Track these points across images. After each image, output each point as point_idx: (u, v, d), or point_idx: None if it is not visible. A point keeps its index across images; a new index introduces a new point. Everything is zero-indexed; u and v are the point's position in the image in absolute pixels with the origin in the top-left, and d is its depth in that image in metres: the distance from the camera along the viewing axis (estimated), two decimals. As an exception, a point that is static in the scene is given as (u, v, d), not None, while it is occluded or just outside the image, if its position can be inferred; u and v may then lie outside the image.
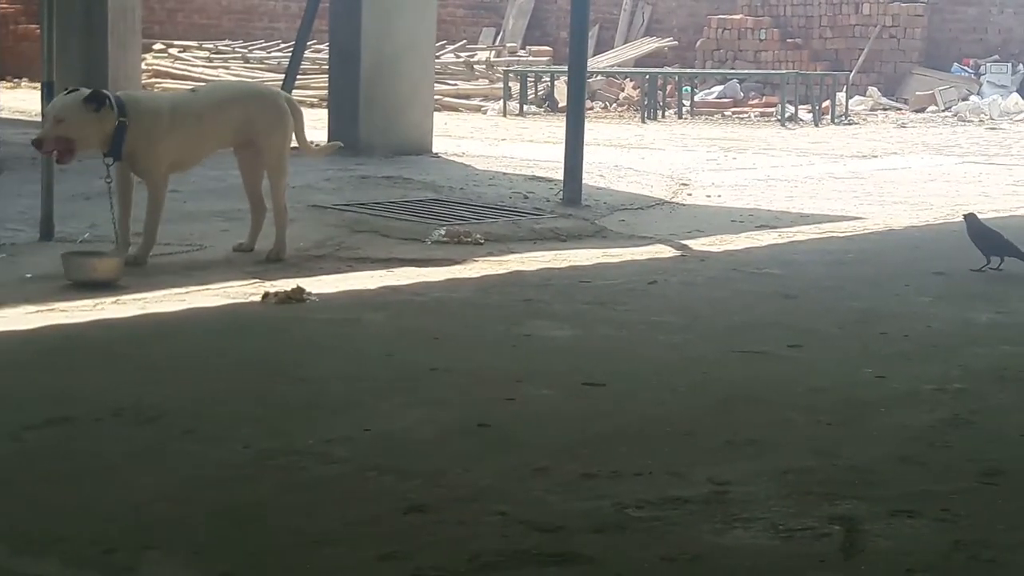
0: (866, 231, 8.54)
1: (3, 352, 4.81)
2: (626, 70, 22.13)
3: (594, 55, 22.12)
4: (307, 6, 13.03)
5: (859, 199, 10.32)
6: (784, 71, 20.87)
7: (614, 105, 21.25)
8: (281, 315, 5.48)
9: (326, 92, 13.27)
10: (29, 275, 6.10)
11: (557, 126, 14.75)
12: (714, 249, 7.63)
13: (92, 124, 6.24)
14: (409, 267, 6.70)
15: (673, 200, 10.01)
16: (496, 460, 3.67)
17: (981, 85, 21.44)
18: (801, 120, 19.22)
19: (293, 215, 8.01)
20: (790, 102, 19.43)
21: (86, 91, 6.33)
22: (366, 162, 10.93)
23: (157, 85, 21.14)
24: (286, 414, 4.07)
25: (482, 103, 20.58)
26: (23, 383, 4.36)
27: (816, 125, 18.77)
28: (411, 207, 8.62)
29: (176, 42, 23.80)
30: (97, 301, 5.59)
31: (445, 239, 7.47)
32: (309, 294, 5.73)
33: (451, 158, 11.98)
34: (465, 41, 23.59)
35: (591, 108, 19.49)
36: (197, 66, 22.49)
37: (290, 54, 13.90)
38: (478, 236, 7.56)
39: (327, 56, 13.10)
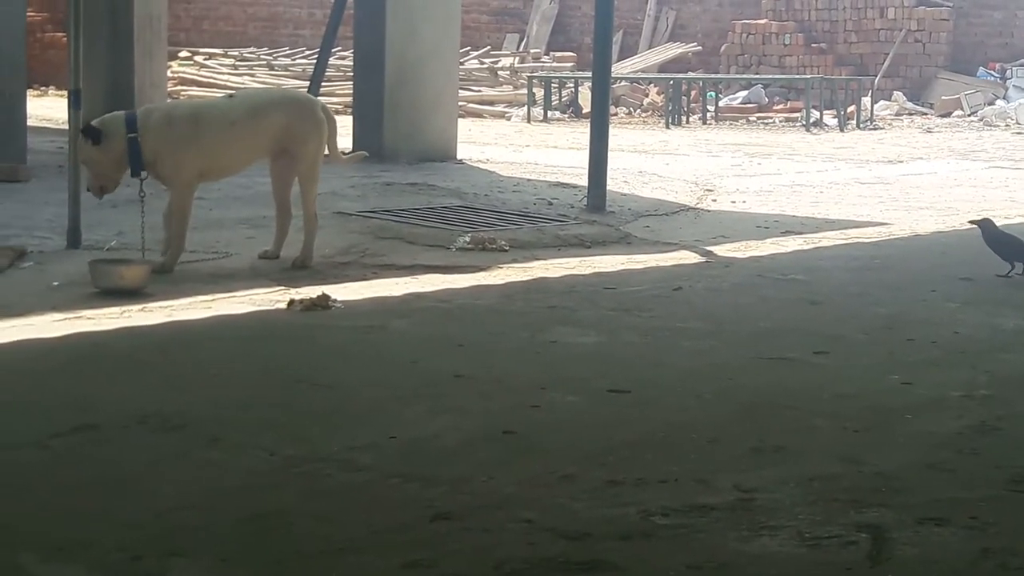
0: (892, 236, 8.51)
1: (30, 360, 4.84)
2: (650, 76, 22.10)
3: (618, 61, 22.11)
4: (332, 13, 13.07)
5: (885, 204, 10.28)
6: (809, 76, 20.81)
7: (638, 111, 21.23)
8: (306, 322, 5.49)
9: (351, 99, 13.29)
10: (56, 283, 6.13)
11: (581, 132, 14.74)
12: (739, 255, 7.62)
13: (99, 154, 6.40)
14: (434, 274, 6.70)
15: (698, 206, 9.99)
16: (521, 467, 3.67)
17: (1007, 89, 21.33)
18: (826, 125, 19.17)
19: (318, 222, 8.03)
20: (815, 107, 19.38)
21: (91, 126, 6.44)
22: (391, 169, 10.95)
23: (183, 93, 21.24)
24: (311, 421, 4.08)
25: (506, 109, 20.59)
26: (50, 391, 4.38)
27: (841, 130, 18.71)
28: (436, 214, 8.63)
29: (202, 50, 23.89)
30: (124, 309, 5.62)
31: (470, 246, 7.47)
32: (334, 301, 5.74)
33: (475, 164, 11.99)
34: (489, 47, 23.61)
35: (615, 114, 19.47)
36: (223, 73, 22.57)
37: (315, 61, 13.93)
38: (503, 243, 7.56)
39: (351, 63, 13.12)
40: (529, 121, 19.45)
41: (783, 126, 19.52)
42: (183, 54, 23.16)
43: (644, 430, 4.06)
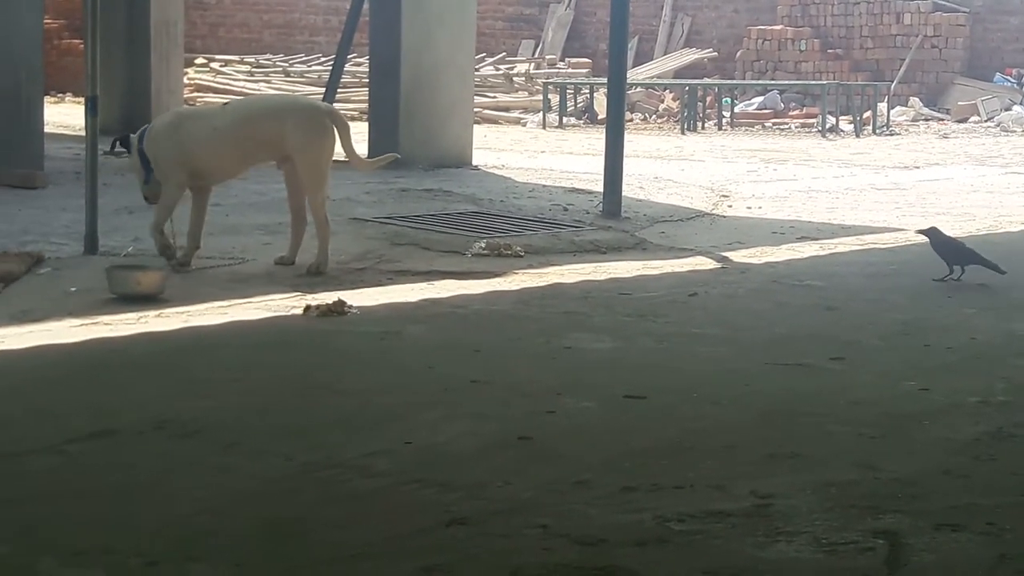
0: (908, 242, 8.48)
1: (48, 365, 4.85)
2: (666, 81, 22.10)
3: (633, 67, 22.11)
4: (347, 20, 13.10)
5: (901, 210, 10.26)
6: (825, 82, 20.78)
7: (654, 117, 21.23)
8: (322, 328, 5.50)
9: (366, 105, 13.32)
10: (73, 289, 6.15)
11: (596, 138, 14.74)
12: (755, 261, 7.61)
13: (132, 164, 6.95)
14: (449, 279, 6.71)
15: (713, 212, 9.98)
16: (537, 473, 3.67)
17: (1024, 95, 21.28)
18: (842, 131, 19.13)
19: (334, 228, 8.04)
20: (831, 113, 19.34)
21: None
22: (406, 175, 10.96)
23: (199, 99, 21.28)
24: (327, 427, 4.09)
25: (521, 115, 20.60)
26: (67, 396, 4.40)
27: (857, 136, 18.68)
28: (451, 220, 8.64)
29: (218, 56, 23.96)
30: (141, 314, 5.64)
31: (485, 251, 7.47)
32: (350, 307, 5.75)
33: (491, 170, 12.00)
34: (504, 53, 23.63)
35: (630, 120, 19.47)
36: (239, 80, 22.63)
37: (330, 68, 13.97)
38: (518, 248, 7.57)
39: (367, 70, 13.15)
40: (544, 127, 19.46)
41: (799, 132, 19.49)
42: (199, 61, 23.23)
43: (660, 436, 4.06)
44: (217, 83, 22.41)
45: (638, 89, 21.29)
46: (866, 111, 19.59)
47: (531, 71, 22.27)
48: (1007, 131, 19.28)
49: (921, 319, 5.99)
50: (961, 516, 3.35)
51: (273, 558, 3.06)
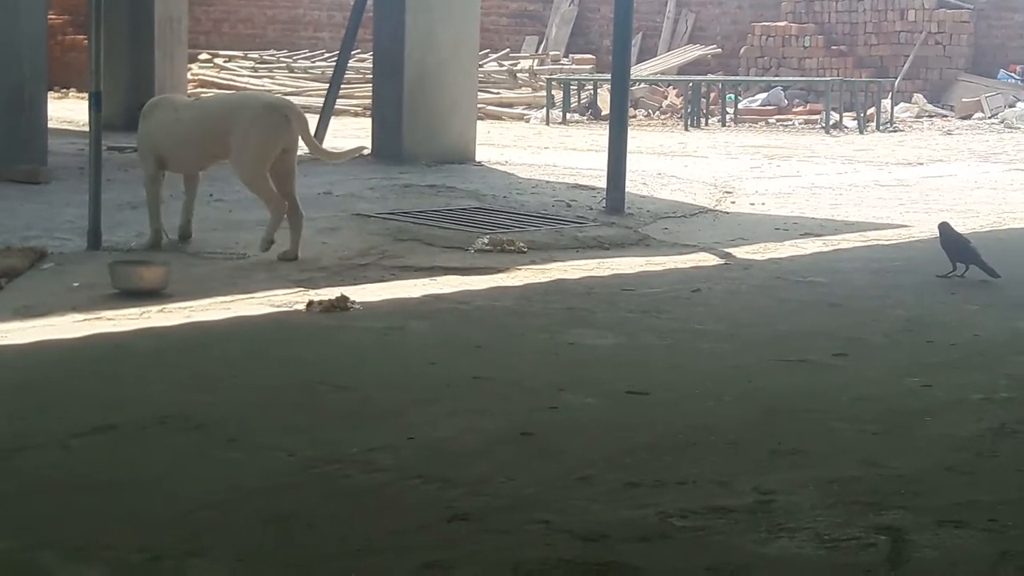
0: (912, 239, 8.48)
1: (51, 360, 4.86)
2: (669, 78, 22.08)
3: (637, 63, 22.09)
4: (351, 16, 13.10)
5: (904, 207, 10.25)
6: (829, 78, 20.76)
7: (657, 113, 21.22)
8: (325, 323, 5.50)
9: (370, 101, 13.32)
10: (77, 284, 6.15)
11: (600, 134, 14.74)
12: (758, 257, 7.60)
13: None
14: (452, 275, 6.71)
15: (717, 208, 9.98)
16: (539, 469, 3.67)
17: (1028, 91, 21.25)
18: (846, 127, 19.12)
19: (337, 224, 8.06)
20: (835, 109, 19.33)
21: None
22: (409, 171, 10.97)
23: (203, 95, 21.29)
24: (330, 422, 4.09)
25: (525, 111, 20.59)
26: (70, 391, 4.40)
27: (861, 132, 18.66)
28: (454, 216, 8.64)
29: (222, 52, 23.96)
30: (143, 310, 5.64)
31: (488, 247, 7.47)
32: (353, 302, 5.75)
33: (494, 166, 12.00)
34: (508, 50, 23.62)
35: (634, 116, 19.46)
36: (242, 76, 22.63)
37: (334, 64, 13.97)
38: (521, 244, 7.56)
39: (371, 66, 13.15)
40: (548, 123, 19.45)
41: (803, 128, 19.48)
42: (203, 56, 23.23)
43: (663, 432, 4.06)
44: (221, 79, 22.41)
45: (642, 85, 21.27)
46: (870, 107, 19.57)
47: (535, 67, 22.26)
48: (1011, 128, 19.26)
49: (924, 315, 5.99)
50: (963, 513, 3.35)
51: (275, 553, 3.07)
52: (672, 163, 13.30)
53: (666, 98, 21.83)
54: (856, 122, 19.19)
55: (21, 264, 6.38)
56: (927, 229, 8.94)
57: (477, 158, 12.21)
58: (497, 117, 19.95)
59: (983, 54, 22.35)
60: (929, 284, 6.78)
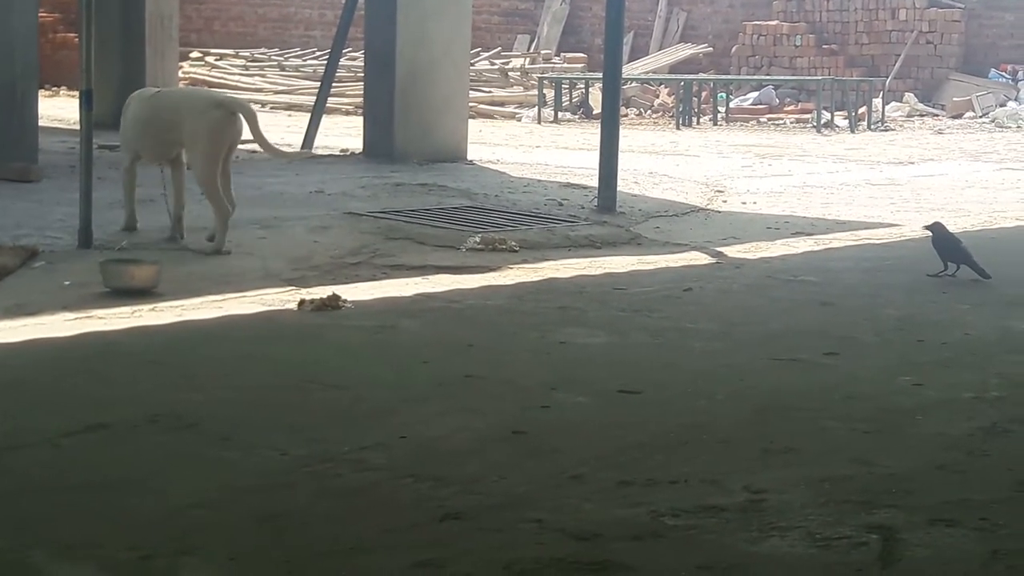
0: (903, 238, 8.49)
1: (42, 359, 4.85)
2: (661, 77, 22.09)
3: (629, 62, 22.10)
4: (342, 14, 13.08)
5: (896, 206, 10.27)
6: (820, 77, 20.79)
7: (649, 112, 21.23)
8: (317, 322, 5.50)
9: (361, 100, 13.31)
10: (68, 282, 6.14)
11: (592, 133, 14.74)
12: (750, 256, 7.61)
13: None
14: (444, 274, 6.71)
15: (708, 207, 9.98)
16: (532, 468, 3.67)
17: (1019, 91, 21.29)
18: (837, 126, 19.14)
19: (329, 222, 8.05)
20: (826, 108, 19.36)
21: None
22: (401, 169, 10.96)
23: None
24: (322, 421, 4.08)
25: (517, 110, 20.59)
26: (61, 390, 4.39)
27: (852, 131, 18.69)
28: (446, 214, 8.64)
29: (213, 50, 23.93)
30: (135, 308, 5.63)
31: (480, 246, 7.47)
32: (345, 301, 5.75)
33: (486, 165, 11.99)
34: (500, 48, 23.62)
35: (626, 115, 19.46)
36: (233, 74, 22.60)
37: (326, 62, 13.95)
38: (513, 243, 7.56)
39: (362, 64, 13.15)
40: (540, 122, 19.45)
41: (794, 127, 19.50)
42: (194, 54, 23.20)
43: (654, 431, 4.06)
44: (212, 77, 22.39)
45: (633, 84, 21.29)
46: (861, 107, 19.60)
47: (526, 66, 22.26)
48: (1002, 127, 19.30)
49: (916, 315, 6.00)
50: (955, 512, 3.35)
51: (267, 552, 3.06)
52: (664, 162, 13.30)
53: (657, 97, 21.85)
54: (847, 121, 19.22)
55: (12, 263, 6.37)
56: (918, 228, 8.96)
57: (469, 157, 12.21)
58: (489, 116, 19.95)
59: (974, 53, 22.39)
60: (920, 283, 6.79)
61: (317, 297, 5.75)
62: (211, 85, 21.86)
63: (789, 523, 3.26)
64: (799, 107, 21.05)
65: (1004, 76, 21.75)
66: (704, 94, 20.91)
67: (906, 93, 21.66)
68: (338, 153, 12.50)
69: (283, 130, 15.70)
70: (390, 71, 11.74)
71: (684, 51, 23.50)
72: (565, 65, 22.81)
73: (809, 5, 22.98)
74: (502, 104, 20.84)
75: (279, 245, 7.25)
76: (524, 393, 4.46)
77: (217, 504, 3.35)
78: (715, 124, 19.83)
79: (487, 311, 5.89)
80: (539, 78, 20.62)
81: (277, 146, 7.97)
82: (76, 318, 5.44)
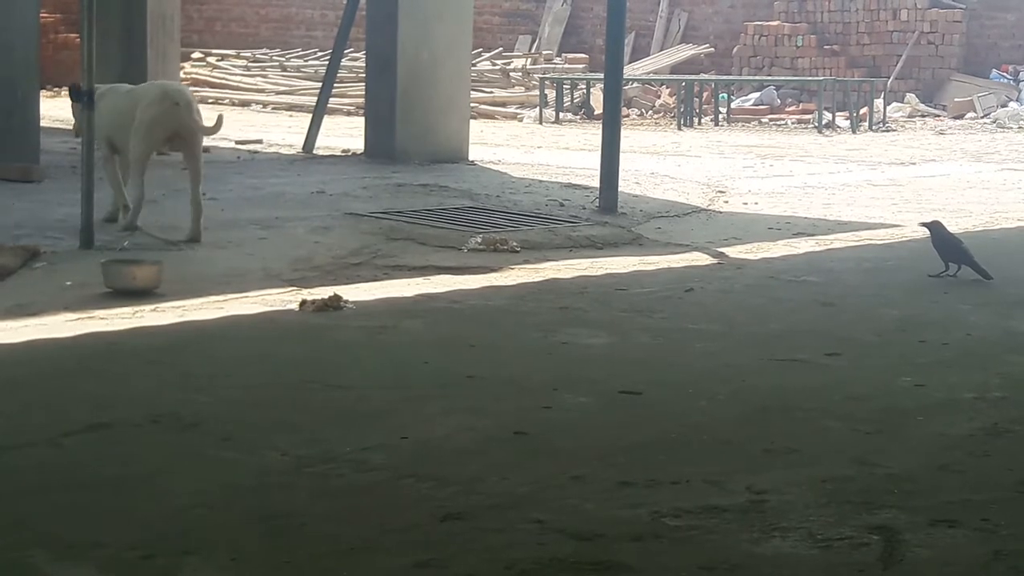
0: (904, 238, 8.49)
1: (43, 359, 4.85)
2: (662, 77, 22.08)
3: (630, 62, 22.09)
4: (344, 15, 13.09)
5: (897, 206, 10.26)
6: (821, 78, 20.78)
7: (650, 112, 21.22)
8: (318, 323, 5.50)
9: (363, 100, 13.31)
10: (69, 283, 6.14)
11: (593, 133, 14.73)
12: (751, 257, 7.61)
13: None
14: (445, 275, 6.71)
15: (710, 208, 9.98)
16: (533, 468, 3.67)
17: (1020, 91, 21.28)
18: (838, 127, 19.13)
19: (330, 223, 8.05)
20: (827, 109, 19.34)
21: None
22: (402, 170, 10.96)
23: (196, 93, 21.19)
24: (323, 421, 4.08)
25: (518, 111, 20.59)
26: (63, 390, 4.40)
27: (854, 132, 18.68)
28: (447, 215, 8.64)
29: (214, 51, 23.93)
30: (136, 309, 5.63)
31: (481, 247, 7.47)
32: (346, 302, 5.75)
33: (487, 166, 11.99)
34: (501, 48, 23.61)
35: (627, 115, 19.46)
36: (235, 75, 22.60)
37: (327, 62, 13.95)
38: (514, 244, 7.56)
39: (364, 64, 13.14)
40: (541, 122, 19.45)
41: (795, 128, 19.49)
42: (196, 55, 23.20)
43: (656, 431, 4.06)
44: (214, 77, 22.39)
45: (635, 85, 21.28)
46: (862, 107, 19.59)
47: (528, 66, 22.26)
48: (1003, 127, 19.29)
49: (917, 315, 6.00)
50: (956, 512, 3.35)
51: (268, 552, 3.06)
52: (665, 162, 13.30)
53: (659, 97, 21.84)
54: (849, 122, 19.20)
55: (13, 263, 6.37)
56: (920, 229, 8.96)
57: (470, 157, 12.21)
58: (490, 116, 19.95)
59: (975, 54, 22.37)
60: (922, 284, 6.79)
61: (318, 298, 5.75)
62: (212, 85, 21.87)
63: (791, 524, 3.26)
64: (800, 108, 21.04)
65: (1005, 77, 21.74)
66: (705, 94, 20.90)
67: (907, 94, 21.65)
68: (339, 154, 12.50)
69: (284, 130, 15.72)
70: (391, 72, 11.73)
71: (685, 51, 23.49)
72: (566, 66, 22.81)
73: (811, 6, 22.97)
74: (504, 104, 20.84)
75: (280, 246, 7.25)
76: (526, 393, 4.46)
77: (218, 504, 3.35)
78: (716, 125, 19.83)
79: (489, 311, 5.89)
80: (540, 78, 20.61)
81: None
82: (77, 318, 5.44)
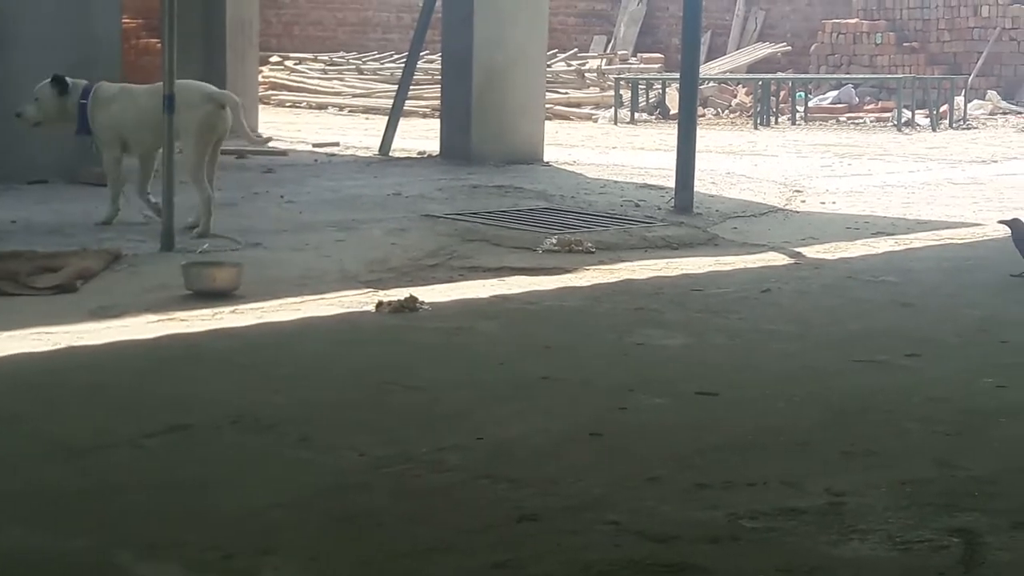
0: (985, 237, 8.37)
1: (125, 360, 4.92)
2: (739, 76, 21.95)
3: (706, 61, 21.99)
4: (420, 17, 13.15)
5: (978, 205, 10.12)
6: (900, 75, 20.55)
7: (726, 111, 21.10)
8: (395, 324, 5.53)
9: (438, 102, 13.36)
10: (150, 285, 6.23)
11: (668, 133, 14.68)
12: (829, 257, 7.54)
13: (56, 103, 7.69)
14: (520, 276, 6.72)
15: (786, 207, 9.91)
16: (608, 469, 3.67)
17: (1105, 87, 20.90)
18: (918, 125, 18.91)
19: (406, 225, 8.09)
20: (907, 107, 19.13)
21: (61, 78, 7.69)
22: (477, 171, 10.99)
23: (273, 97, 21.46)
24: (400, 422, 4.11)
25: (593, 111, 20.56)
26: (144, 391, 4.46)
27: (933, 130, 18.45)
28: (522, 216, 8.65)
29: (292, 54, 24.14)
30: (216, 310, 5.70)
31: (556, 248, 7.47)
32: (422, 303, 5.77)
33: (562, 167, 11.99)
34: (576, 49, 23.60)
35: (703, 115, 19.35)
36: (312, 78, 22.79)
37: (403, 65, 14.02)
38: (589, 245, 7.56)
39: (439, 67, 13.19)
40: (616, 123, 19.41)
41: (874, 126, 19.29)
42: (274, 59, 23.42)
43: (732, 433, 4.04)
44: (291, 81, 22.60)
45: (711, 84, 21.17)
46: (942, 105, 19.34)
47: (603, 67, 22.23)
48: (1087, 124, 18.95)
49: (999, 315, 5.91)
50: (1039, 515, 3.30)
51: (346, 551, 3.09)
52: (741, 162, 13.22)
53: (735, 96, 21.71)
54: (928, 120, 18.97)
55: (96, 265, 6.47)
56: (1000, 228, 8.82)
57: (545, 158, 12.21)
58: (565, 117, 19.94)
59: (1059, 50, 21.99)
60: (1004, 283, 6.69)
61: (395, 299, 5.78)
62: (290, 89, 22.07)
63: (869, 526, 3.23)
64: (879, 106, 20.82)
65: (1090, 72, 21.35)
66: (782, 93, 20.74)
67: (988, 91, 21.34)
68: (415, 156, 12.56)
69: (361, 133, 15.82)
70: (467, 74, 11.77)
71: (762, 50, 23.33)
72: (642, 66, 22.75)
73: (889, 3, 22.72)
74: (578, 105, 20.82)
75: (357, 247, 7.30)
76: (601, 394, 4.45)
77: (297, 504, 3.38)
78: (793, 123, 19.67)
79: (564, 312, 5.89)
80: (616, 79, 20.57)
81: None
82: (159, 320, 5.52)
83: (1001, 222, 7.28)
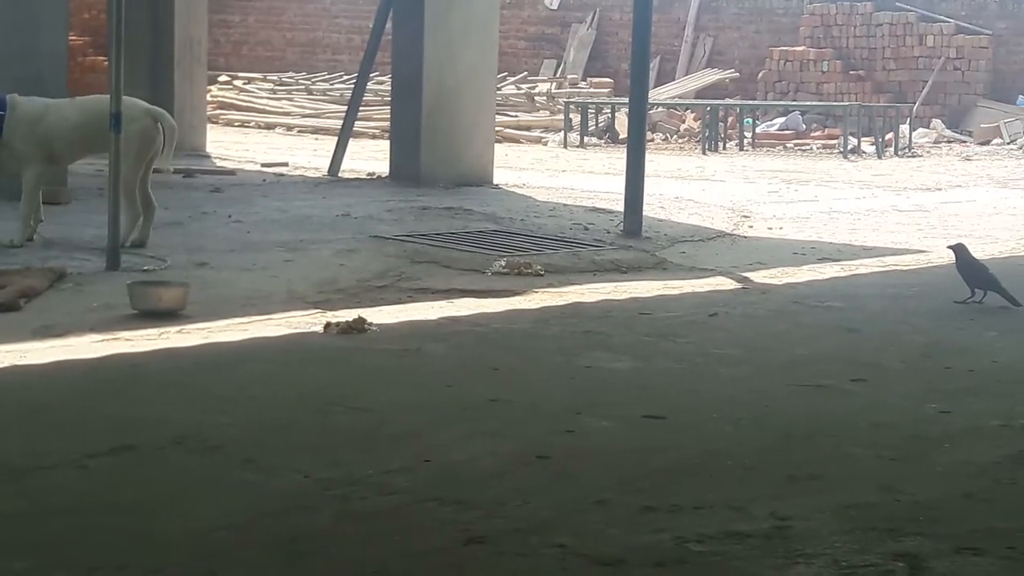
0: (930, 264, 8.46)
1: (69, 380, 4.87)
2: (687, 102, 22.09)
3: (655, 87, 22.11)
4: (370, 39, 13.15)
5: (923, 232, 10.23)
6: (847, 103, 20.75)
7: (675, 137, 21.22)
8: (342, 345, 5.51)
9: (388, 124, 13.35)
10: (95, 304, 6.17)
11: (618, 158, 14.74)
12: (776, 282, 7.59)
13: None
14: (469, 298, 6.71)
15: (734, 232, 9.97)
16: (556, 492, 3.66)
17: (1047, 117, 21.19)
18: (864, 152, 19.09)
19: (355, 246, 8.07)
20: (853, 134, 19.31)
21: None
22: (427, 193, 10.98)
23: (222, 116, 21.37)
24: (346, 444, 4.09)
25: (543, 134, 20.62)
26: (88, 411, 4.41)
27: (879, 157, 18.64)
28: (472, 238, 8.65)
29: (241, 74, 24.06)
30: (162, 330, 5.65)
31: (505, 270, 7.48)
32: (370, 324, 5.75)
33: (512, 189, 12.01)
34: (526, 73, 23.66)
35: (652, 140, 19.45)
36: (261, 98, 22.72)
37: (353, 86, 14.01)
38: (538, 267, 7.57)
39: (389, 88, 13.19)
40: (566, 146, 19.47)
41: (820, 153, 19.46)
42: (222, 78, 23.32)
43: (679, 456, 4.05)
44: (240, 100, 22.51)
45: (659, 109, 21.29)
46: (888, 133, 19.54)
47: (553, 90, 22.30)
48: (1030, 153, 19.20)
49: (943, 341, 5.97)
50: (982, 540, 3.33)
51: (290, 574, 3.06)
52: (690, 187, 13.29)
53: (684, 122, 21.84)
54: (874, 147, 19.16)
55: (41, 284, 6.41)
56: (945, 254, 8.91)
57: (495, 181, 12.23)
58: (515, 140, 19.98)
59: (1002, 80, 22.30)
60: (947, 310, 6.76)
61: (343, 320, 5.76)
62: (239, 108, 21.98)
63: (815, 550, 3.24)
64: (826, 133, 21.00)
65: (1032, 103, 21.65)
66: (730, 119, 20.89)
67: (933, 119, 21.59)
68: (365, 177, 12.54)
69: (310, 154, 15.78)
70: (417, 96, 11.78)
71: (710, 76, 23.50)
72: (591, 90, 22.84)
73: (836, 31, 22.96)
74: (528, 128, 20.87)
75: (305, 268, 7.27)
76: (549, 417, 4.45)
77: (241, 526, 3.35)
78: (741, 149, 19.81)
79: (512, 335, 5.89)
80: (565, 102, 20.64)
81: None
82: (103, 340, 5.47)
83: (949, 247, 7.35)
